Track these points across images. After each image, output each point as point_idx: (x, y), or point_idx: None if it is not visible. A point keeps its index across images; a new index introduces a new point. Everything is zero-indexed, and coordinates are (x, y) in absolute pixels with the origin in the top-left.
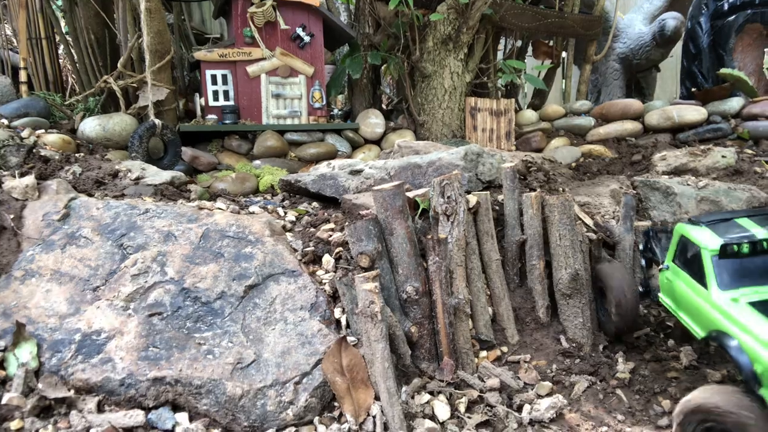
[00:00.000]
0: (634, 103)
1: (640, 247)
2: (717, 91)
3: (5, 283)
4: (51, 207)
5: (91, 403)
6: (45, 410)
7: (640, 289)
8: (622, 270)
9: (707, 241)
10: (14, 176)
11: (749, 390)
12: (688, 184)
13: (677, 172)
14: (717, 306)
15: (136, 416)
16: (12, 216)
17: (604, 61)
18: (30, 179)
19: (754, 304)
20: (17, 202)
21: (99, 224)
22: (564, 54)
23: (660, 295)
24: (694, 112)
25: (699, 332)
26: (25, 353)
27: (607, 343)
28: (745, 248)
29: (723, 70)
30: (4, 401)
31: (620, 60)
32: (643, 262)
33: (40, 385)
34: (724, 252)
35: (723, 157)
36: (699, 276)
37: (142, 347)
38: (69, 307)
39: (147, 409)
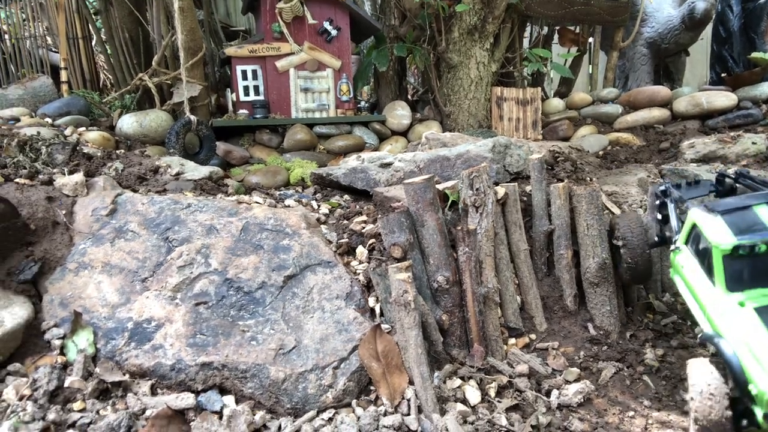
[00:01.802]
0: (662, 90)
1: (656, 202)
2: (747, 76)
3: (60, 275)
4: (99, 203)
5: (144, 386)
6: (103, 393)
7: (655, 238)
8: (632, 218)
9: (719, 238)
10: (64, 174)
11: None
12: (717, 172)
13: (706, 159)
14: (721, 309)
15: (187, 399)
16: (64, 212)
17: (632, 46)
18: (79, 176)
19: (760, 310)
20: (68, 199)
21: (145, 219)
22: (591, 40)
23: (671, 274)
24: (723, 98)
25: (702, 326)
26: (83, 340)
27: (634, 331)
28: (762, 248)
29: (754, 54)
30: (66, 384)
31: (648, 45)
32: (658, 215)
33: (97, 370)
34: (737, 252)
35: (753, 143)
36: (708, 270)
37: (190, 334)
38: (120, 298)
39: (196, 393)
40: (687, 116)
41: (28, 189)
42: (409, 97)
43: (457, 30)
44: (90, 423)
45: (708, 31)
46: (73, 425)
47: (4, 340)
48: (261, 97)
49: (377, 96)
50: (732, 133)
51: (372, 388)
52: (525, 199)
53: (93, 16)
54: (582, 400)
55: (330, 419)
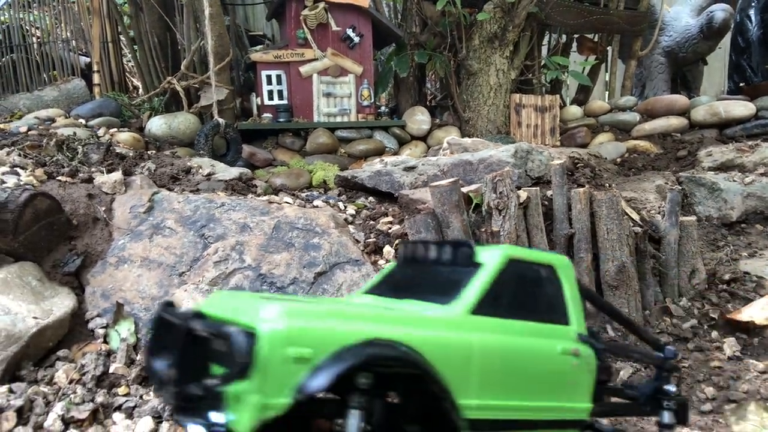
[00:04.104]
0: (680, 99)
1: None
2: (766, 85)
3: (101, 268)
4: (137, 200)
5: None
6: (146, 379)
7: None
8: None
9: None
10: (102, 172)
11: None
12: (734, 180)
13: (723, 168)
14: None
15: None
16: (103, 208)
17: (649, 55)
18: (118, 175)
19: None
20: (107, 196)
21: (181, 216)
22: (609, 48)
23: None
24: (741, 108)
25: None
26: (125, 330)
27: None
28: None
29: None
30: (111, 370)
31: (666, 53)
32: None
33: (139, 358)
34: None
35: None
36: None
37: None
38: (159, 290)
39: None
40: (705, 125)
41: (69, 186)
42: (428, 102)
43: (477, 38)
44: (135, 406)
45: (726, 41)
46: (119, 408)
47: (54, 327)
48: (284, 102)
49: (397, 101)
50: (750, 143)
51: None
52: (546, 203)
53: (123, 21)
54: None
55: None
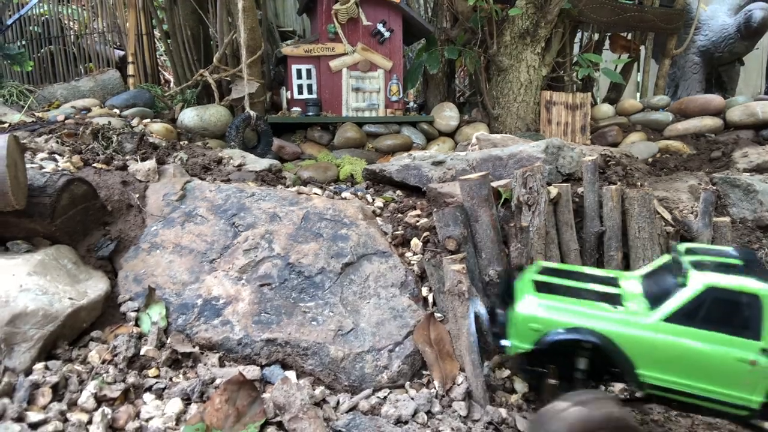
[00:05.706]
0: (715, 99)
1: None
2: None
3: (134, 253)
4: (169, 188)
5: (213, 358)
6: (175, 362)
7: None
8: None
9: None
10: (137, 160)
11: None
12: None
13: (760, 169)
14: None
15: (253, 371)
16: (137, 195)
17: (683, 55)
18: (151, 163)
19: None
20: (140, 184)
21: (212, 205)
22: (642, 47)
23: None
24: None
25: None
26: (156, 314)
27: None
28: None
29: None
30: (142, 352)
31: (701, 53)
32: None
33: (169, 341)
34: None
35: None
36: None
37: (255, 312)
38: (190, 276)
39: (261, 366)
40: (740, 126)
41: (104, 173)
42: (457, 98)
43: (508, 33)
44: (165, 388)
45: (765, 41)
46: (149, 389)
47: (88, 309)
48: (314, 96)
49: (425, 97)
50: None
51: (424, 372)
52: (577, 200)
53: (158, 14)
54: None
55: (385, 398)
